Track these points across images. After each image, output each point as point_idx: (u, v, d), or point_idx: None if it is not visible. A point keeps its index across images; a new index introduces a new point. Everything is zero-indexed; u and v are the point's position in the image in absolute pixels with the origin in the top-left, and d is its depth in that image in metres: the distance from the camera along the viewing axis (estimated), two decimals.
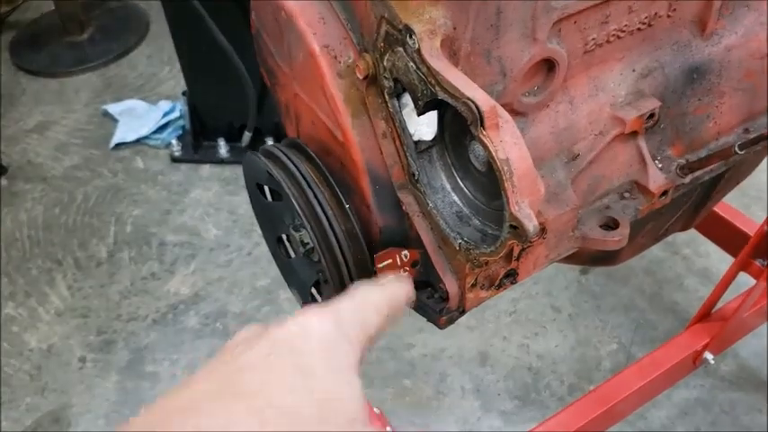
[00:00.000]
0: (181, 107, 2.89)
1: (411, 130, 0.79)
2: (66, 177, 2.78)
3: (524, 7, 0.75)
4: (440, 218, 0.79)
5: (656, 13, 0.87)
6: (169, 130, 2.89)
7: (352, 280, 0.83)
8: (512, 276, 0.85)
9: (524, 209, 0.64)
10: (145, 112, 2.99)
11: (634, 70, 0.90)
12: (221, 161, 2.75)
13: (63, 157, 2.89)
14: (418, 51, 0.69)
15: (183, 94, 2.76)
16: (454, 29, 0.71)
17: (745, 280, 1.58)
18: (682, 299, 2.17)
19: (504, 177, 0.64)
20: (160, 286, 2.30)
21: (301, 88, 0.88)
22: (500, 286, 0.84)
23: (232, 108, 2.66)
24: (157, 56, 3.40)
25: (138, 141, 2.89)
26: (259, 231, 2.43)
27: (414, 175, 0.81)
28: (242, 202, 2.58)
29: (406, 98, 0.78)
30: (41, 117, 3.12)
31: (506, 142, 0.64)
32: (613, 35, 0.85)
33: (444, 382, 1.99)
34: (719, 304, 1.67)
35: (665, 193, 0.93)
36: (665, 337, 2.04)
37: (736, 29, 0.95)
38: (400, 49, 0.71)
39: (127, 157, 2.85)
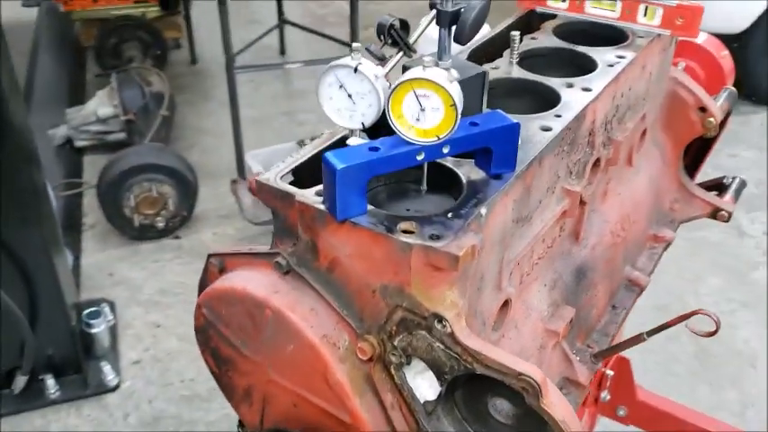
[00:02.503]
0: None
1: (417, 394, 0.81)
2: None
3: (495, 264, 0.85)
4: None
5: (558, 235, 1.03)
6: None
7: None
8: None
9: None
10: None
11: (545, 285, 1.04)
12: None
13: None
14: (451, 335, 0.73)
15: None
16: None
17: None
18: None
19: None
20: None
21: (282, 375, 0.85)
22: None
23: None
24: None
25: None
26: None
27: None
28: None
29: (406, 367, 0.81)
30: None
31: (556, 404, 0.71)
32: (535, 263, 0.99)
33: None
34: None
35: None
36: None
37: (593, 229, 1.16)
38: (422, 332, 0.75)
39: None
